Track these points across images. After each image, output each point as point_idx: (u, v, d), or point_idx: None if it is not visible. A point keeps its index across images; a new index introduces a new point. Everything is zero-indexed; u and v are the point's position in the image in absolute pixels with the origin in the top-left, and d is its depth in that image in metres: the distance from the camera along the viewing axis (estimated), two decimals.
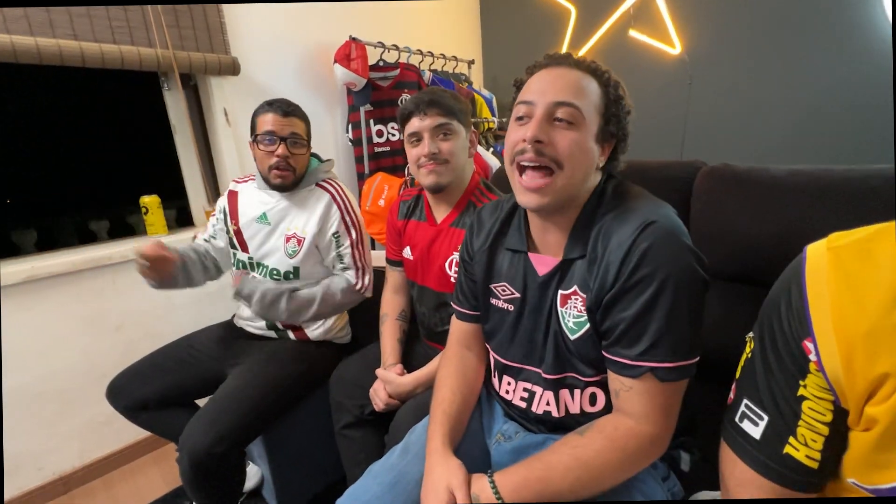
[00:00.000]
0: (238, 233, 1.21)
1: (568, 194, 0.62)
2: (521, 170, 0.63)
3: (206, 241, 1.29)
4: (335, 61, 1.86)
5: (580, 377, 0.66)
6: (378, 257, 1.73)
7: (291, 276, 1.18)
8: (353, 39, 1.87)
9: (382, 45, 2.01)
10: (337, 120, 2.08)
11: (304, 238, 1.16)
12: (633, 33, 2.08)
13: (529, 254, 0.71)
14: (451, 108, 0.97)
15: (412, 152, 1.01)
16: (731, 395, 0.54)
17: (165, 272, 1.12)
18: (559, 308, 0.66)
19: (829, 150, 1.72)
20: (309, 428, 1.25)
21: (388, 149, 2.12)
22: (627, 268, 0.56)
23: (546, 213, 0.67)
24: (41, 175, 1.81)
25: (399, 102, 2.08)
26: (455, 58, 2.41)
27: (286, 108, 1.12)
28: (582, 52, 2.29)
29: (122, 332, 1.49)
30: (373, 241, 2.09)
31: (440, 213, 1.07)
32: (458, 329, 0.85)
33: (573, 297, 0.64)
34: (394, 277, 1.21)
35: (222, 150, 1.71)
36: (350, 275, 1.20)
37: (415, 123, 0.99)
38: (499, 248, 0.76)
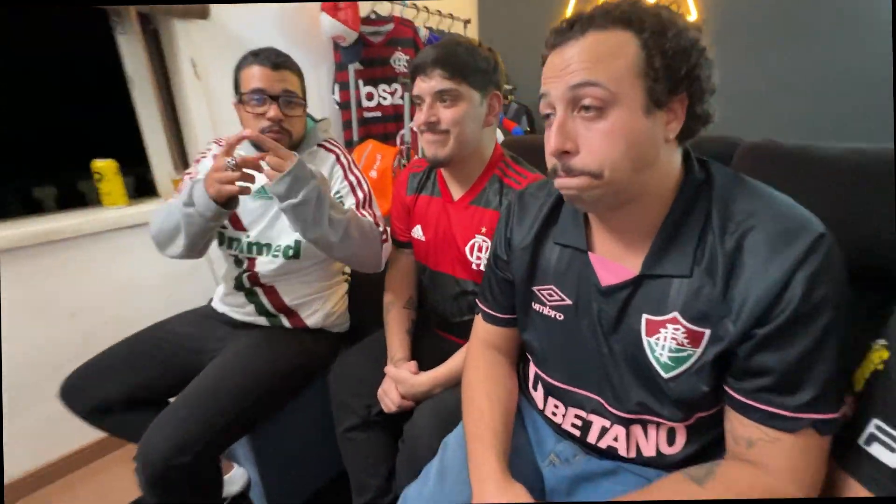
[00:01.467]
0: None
1: (623, 195, 0.49)
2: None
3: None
4: (322, 10, 1.63)
5: (665, 420, 0.55)
6: None
7: (291, 251, 1.00)
8: None
9: None
10: (322, 79, 1.86)
11: None
12: None
13: (590, 254, 0.58)
14: (460, 67, 0.81)
15: (417, 117, 0.86)
16: (847, 411, 0.45)
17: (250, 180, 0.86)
18: (644, 336, 0.53)
19: (849, 128, 1.66)
20: (301, 426, 1.12)
21: (378, 114, 1.93)
22: (793, 297, 0.43)
23: (602, 213, 0.54)
24: None
25: (392, 62, 1.88)
26: (451, 16, 2.20)
27: (276, 60, 0.93)
28: None
29: (78, 319, 1.29)
30: None
31: (457, 188, 0.93)
32: (486, 331, 0.73)
33: (671, 327, 0.51)
34: (400, 261, 1.07)
35: (190, 107, 1.48)
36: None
37: (418, 84, 0.83)
38: (546, 240, 0.63)
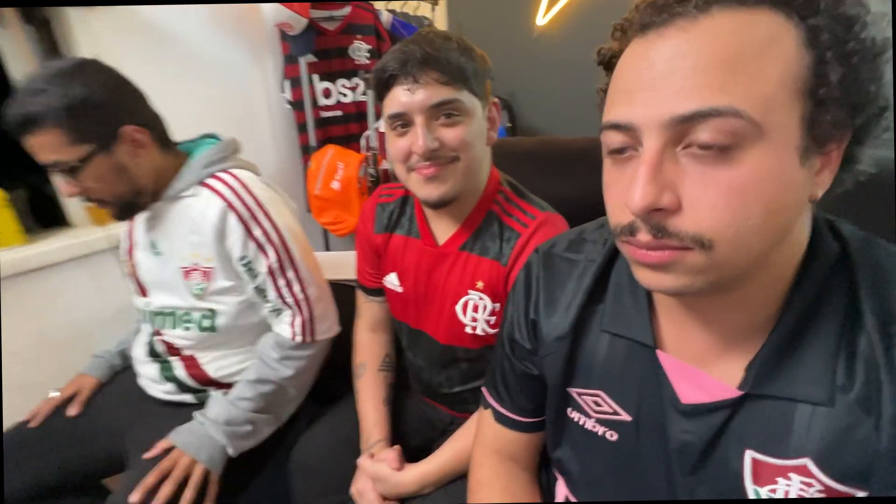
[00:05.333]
0: (134, 272, 0.83)
1: (732, 278, 0.32)
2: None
3: None
4: None
5: None
6: (339, 262, 1.34)
7: (207, 326, 0.79)
8: None
9: None
10: (268, 75, 1.59)
11: (212, 268, 0.76)
12: None
13: (660, 353, 0.39)
14: (460, 68, 0.59)
15: (396, 144, 0.62)
16: None
17: None
18: (750, 483, 0.36)
19: None
20: None
21: (338, 113, 1.68)
22: None
23: (688, 298, 0.36)
24: None
25: (351, 53, 1.62)
26: None
27: (17, 121, 0.63)
28: None
29: None
30: (326, 233, 1.69)
31: (442, 228, 0.71)
32: (498, 436, 0.54)
33: (797, 479, 0.34)
34: (371, 310, 0.86)
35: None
36: (283, 321, 0.80)
37: (399, 97, 0.59)
38: (590, 324, 0.44)
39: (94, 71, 0.69)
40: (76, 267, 1.14)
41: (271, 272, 0.76)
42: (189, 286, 0.78)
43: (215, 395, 0.79)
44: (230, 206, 0.73)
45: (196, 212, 0.74)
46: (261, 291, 0.78)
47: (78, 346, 1.15)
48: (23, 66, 1.10)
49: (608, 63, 0.36)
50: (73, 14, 1.11)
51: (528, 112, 2.20)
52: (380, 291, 0.83)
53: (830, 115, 0.28)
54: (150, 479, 0.67)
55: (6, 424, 0.83)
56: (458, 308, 0.70)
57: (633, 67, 0.31)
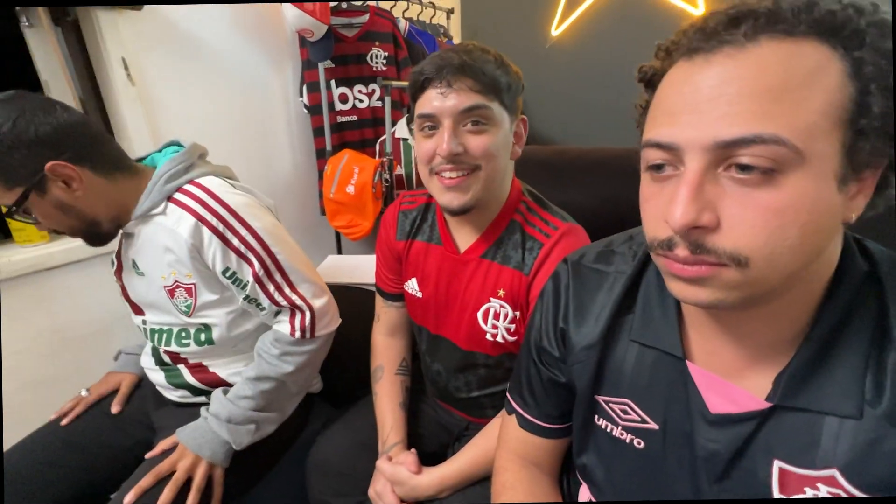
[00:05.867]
0: (125, 290, 0.83)
1: (762, 290, 0.33)
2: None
3: None
4: None
5: None
6: (357, 266, 1.36)
7: (204, 339, 0.80)
8: None
9: None
10: (287, 80, 1.61)
11: (193, 284, 0.75)
12: None
13: (690, 364, 0.41)
14: (494, 79, 0.60)
15: (422, 146, 0.64)
16: None
17: None
18: (777, 492, 0.36)
19: None
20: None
21: (354, 118, 1.70)
22: None
23: (720, 312, 0.38)
24: None
25: (368, 59, 1.65)
26: (433, 4, 1.97)
27: None
28: (583, 7, 1.94)
29: None
30: (339, 236, 1.71)
31: (464, 236, 0.73)
32: (522, 441, 0.55)
33: (825, 489, 0.35)
34: (388, 315, 0.87)
35: (124, 116, 1.21)
36: (282, 320, 0.78)
37: (432, 99, 0.60)
38: (619, 334, 0.45)
39: (10, 109, 0.62)
40: (97, 264, 1.16)
41: (258, 279, 0.73)
42: (176, 304, 0.77)
43: (216, 392, 0.78)
44: (201, 219, 0.70)
45: (167, 230, 0.71)
46: (252, 301, 0.76)
47: (97, 342, 1.17)
48: (52, 66, 1.13)
49: (649, 80, 0.37)
50: (103, 17, 1.13)
51: (540, 121, 2.22)
52: (398, 297, 0.85)
53: (870, 143, 0.29)
54: (145, 481, 0.67)
55: (24, 419, 0.83)
56: (479, 315, 0.71)
57: (679, 90, 0.32)
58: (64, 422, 0.82)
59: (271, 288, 0.74)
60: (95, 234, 0.73)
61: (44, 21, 1.03)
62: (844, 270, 0.35)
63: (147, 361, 0.87)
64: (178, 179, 0.73)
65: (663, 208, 0.33)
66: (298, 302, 0.76)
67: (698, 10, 1.69)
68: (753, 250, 0.30)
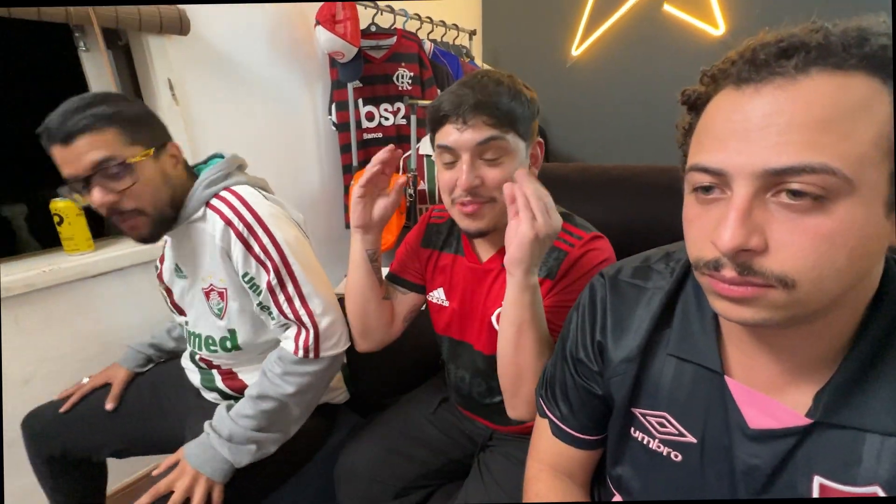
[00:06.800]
0: (170, 293, 0.88)
1: (807, 311, 0.33)
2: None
3: None
4: (317, 23, 1.46)
5: None
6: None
7: (229, 343, 0.83)
8: None
9: (375, 5, 1.62)
10: (317, 99, 1.68)
11: (225, 288, 0.80)
12: (669, 8, 1.79)
13: (728, 380, 0.42)
14: (508, 112, 0.63)
15: (444, 176, 0.68)
16: None
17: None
18: None
19: None
20: None
21: (379, 135, 1.76)
22: None
23: (762, 329, 0.39)
24: None
25: (395, 79, 1.71)
26: (456, 26, 2.04)
27: (63, 127, 0.65)
28: (604, 28, 1.98)
29: (32, 387, 1.10)
30: None
31: (485, 247, 0.76)
32: (554, 451, 0.56)
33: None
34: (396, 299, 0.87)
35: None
36: (288, 336, 0.78)
37: (450, 134, 0.64)
38: (657, 348, 0.47)
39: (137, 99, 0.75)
40: (137, 272, 1.22)
41: (271, 288, 0.75)
42: (211, 307, 0.82)
43: (220, 407, 0.78)
44: (229, 223, 0.73)
45: (206, 235, 0.77)
46: (265, 308, 0.78)
47: (140, 336, 1.22)
48: (105, 88, 1.21)
49: (693, 104, 0.38)
50: (152, 42, 1.22)
51: (560, 138, 2.25)
52: (413, 286, 0.86)
53: None
54: (143, 501, 0.68)
55: None
56: (493, 318, 0.73)
57: (727, 117, 0.33)
58: (63, 408, 0.90)
59: (282, 298, 0.76)
60: (163, 221, 0.75)
61: (100, 45, 1.11)
62: (886, 289, 0.36)
63: (187, 363, 0.92)
64: (215, 186, 0.77)
65: (709, 230, 0.34)
66: (305, 318, 0.76)
67: (719, 31, 1.71)
68: (801, 273, 0.31)
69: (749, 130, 0.31)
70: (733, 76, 0.33)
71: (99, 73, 1.21)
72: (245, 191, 0.77)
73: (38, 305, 1.09)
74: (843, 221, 0.30)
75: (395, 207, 0.76)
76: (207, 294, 0.82)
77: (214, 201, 0.76)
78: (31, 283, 1.05)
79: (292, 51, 1.55)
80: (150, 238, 0.76)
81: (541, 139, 0.73)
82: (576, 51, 2.08)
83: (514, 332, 0.62)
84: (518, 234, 0.57)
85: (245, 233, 0.73)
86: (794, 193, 0.31)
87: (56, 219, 1.12)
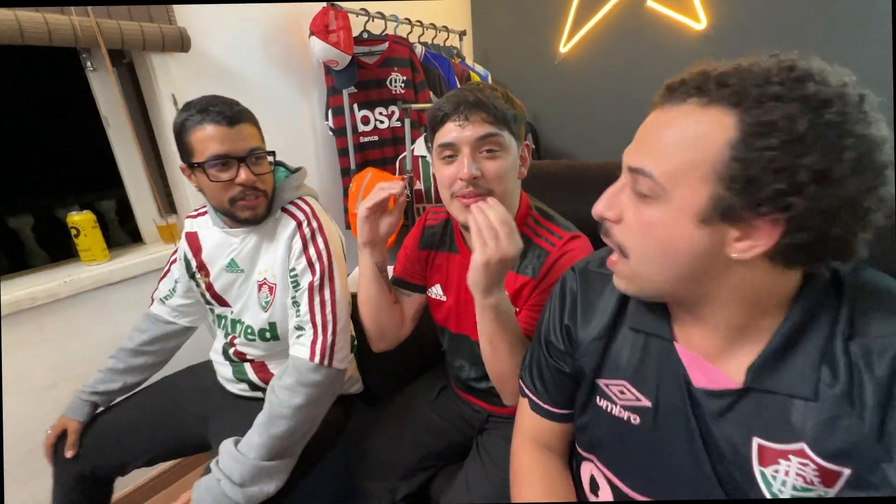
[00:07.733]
0: (210, 287, 0.94)
1: (650, 287, 0.46)
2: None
3: (162, 301, 1.02)
4: (311, 33, 1.52)
5: None
6: None
7: (268, 334, 0.91)
8: (332, 5, 1.53)
9: (366, 12, 1.67)
10: (314, 105, 1.74)
11: (276, 284, 0.88)
12: (652, 4, 1.84)
13: (678, 346, 0.49)
14: (503, 113, 0.70)
15: (444, 172, 0.73)
16: None
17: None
18: (757, 465, 0.44)
19: None
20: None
21: (375, 138, 1.81)
22: None
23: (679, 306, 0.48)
24: None
25: (388, 83, 1.77)
26: (446, 28, 2.09)
27: (231, 113, 0.78)
28: (590, 25, 2.03)
29: (57, 390, 1.16)
30: None
31: None
32: (535, 425, 0.63)
33: (795, 460, 0.42)
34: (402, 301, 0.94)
35: (174, 148, 1.35)
36: (303, 343, 0.82)
37: (451, 131, 0.71)
38: (619, 326, 0.53)
39: None
40: (151, 280, 1.28)
41: (311, 289, 0.83)
42: (259, 298, 0.89)
43: (226, 443, 0.78)
44: (300, 225, 0.85)
45: (276, 233, 0.87)
46: (295, 303, 0.84)
47: None
48: (111, 104, 1.27)
49: None
50: (156, 59, 1.27)
51: (550, 134, 2.31)
52: (415, 287, 0.92)
53: (741, 202, 0.37)
54: None
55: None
56: None
57: (644, 124, 0.44)
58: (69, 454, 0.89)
59: (317, 300, 0.83)
60: (268, 207, 0.86)
61: (106, 64, 1.17)
62: (809, 278, 0.42)
63: (216, 357, 0.98)
64: (293, 192, 0.89)
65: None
66: (329, 325, 0.82)
67: (701, 25, 1.76)
68: (631, 249, 0.44)
69: (637, 136, 0.44)
70: (658, 97, 0.43)
71: (105, 90, 1.26)
72: (315, 203, 0.90)
73: (60, 314, 1.15)
74: (657, 217, 0.41)
75: (398, 222, 0.82)
76: (259, 286, 0.89)
77: (291, 207, 0.88)
78: (55, 293, 1.12)
79: (288, 61, 1.61)
80: (261, 218, 0.85)
81: (528, 142, 0.79)
82: (563, 48, 2.14)
83: (486, 344, 0.70)
84: (472, 260, 0.64)
85: (308, 236, 0.85)
86: (641, 195, 0.42)
87: (73, 231, 1.19)
